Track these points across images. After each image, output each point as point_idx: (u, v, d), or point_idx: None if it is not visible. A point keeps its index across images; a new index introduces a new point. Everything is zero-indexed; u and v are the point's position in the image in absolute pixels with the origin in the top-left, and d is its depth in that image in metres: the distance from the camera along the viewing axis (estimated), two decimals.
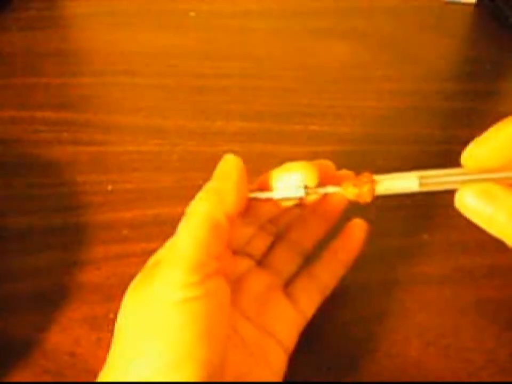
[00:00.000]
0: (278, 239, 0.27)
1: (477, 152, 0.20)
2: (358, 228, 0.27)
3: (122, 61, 0.46)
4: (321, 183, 0.22)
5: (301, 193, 0.22)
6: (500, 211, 0.19)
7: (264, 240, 0.26)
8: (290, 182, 0.22)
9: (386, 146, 0.39)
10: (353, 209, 0.28)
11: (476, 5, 0.57)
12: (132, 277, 0.21)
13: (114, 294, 0.28)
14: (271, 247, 0.27)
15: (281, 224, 0.26)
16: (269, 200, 0.22)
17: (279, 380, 0.23)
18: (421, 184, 0.21)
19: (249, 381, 0.22)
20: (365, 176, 0.21)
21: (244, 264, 0.25)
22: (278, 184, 0.22)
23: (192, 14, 0.52)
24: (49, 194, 0.34)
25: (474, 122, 0.41)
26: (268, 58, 0.47)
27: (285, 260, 0.26)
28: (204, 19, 0.52)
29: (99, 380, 0.20)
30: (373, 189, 0.21)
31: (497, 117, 0.20)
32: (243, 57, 0.47)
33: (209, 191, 0.21)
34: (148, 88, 0.43)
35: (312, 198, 0.22)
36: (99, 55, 0.47)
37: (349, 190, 0.22)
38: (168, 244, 0.22)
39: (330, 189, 0.22)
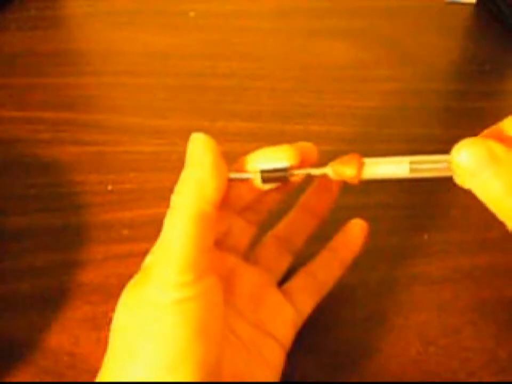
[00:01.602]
0: (265, 235, 0.26)
1: None
2: (358, 228, 0.26)
3: (122, 61, 0.46)
4: (303, 166, 0.21)
5: (284, 164, 0.21)
6: (498, 177, 0.17)
7: (246, 231, 0.25)
8: (271, 163, 0.21)
9: (386, 146, 0.39)
10: (353, 208, 0.29)
11: (476, 5, 0.57)
12: (131, 277, 0.21)
13: (114, 294, 0.28)
14: (259, 244, 0.26)
15: (261, 211, 0.25)
16: (247, 182, 0.21)
17: (278, 377, 0.23)
18: (411, 170, 0.20)
19: (248, 379, 0.22)
20: (352, 156, 0.21)
21: (231, 260, 0.24)
22: (258, 166, 0.21)
23: (192, 14, 0.52)
24: (49, 194, 0.34)
25: (474, 122, 0.41)
26: (268, 58, 0.47)
27: (275, 257, 0.26)
28: (204, 19, 0.52)
29: (97, 381, 0.20)
30: (360, 169, 0.20)
31: (497, 117, 0.20)
32: (243, 57, 0.47)
33: (189, 181, 0.20)
34: (148, 88, 0.43)
35: (295, 179, 0.22)
36: (99, 55, 0.47)
37: (335, 170, 0.21)
38: (158, 243, 0.20)
39: (315, 170, 0.21)
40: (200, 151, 0.20)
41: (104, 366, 0.20)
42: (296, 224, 0.26)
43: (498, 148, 0.17)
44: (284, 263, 0.26)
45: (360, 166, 0.20)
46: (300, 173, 0.21)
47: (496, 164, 0.17)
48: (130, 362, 0.19)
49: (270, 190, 0.22)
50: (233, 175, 0.21)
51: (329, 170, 0.21)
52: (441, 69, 0.48)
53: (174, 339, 0.19)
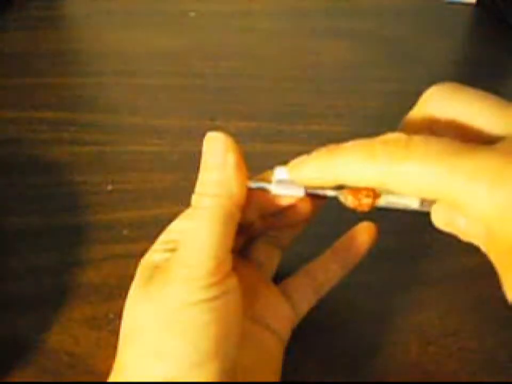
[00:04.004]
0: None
1: (298, 169, 0.21)
2: (365, 233, 0.26)
3: (122, 61, 0.46)
4: None
5: (300, 192, 0.22)
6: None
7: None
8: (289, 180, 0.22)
9: None
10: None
11: (476, 5, 0.57)
12: (131, 277, 0.21)
13: (114, 294, 0.28)
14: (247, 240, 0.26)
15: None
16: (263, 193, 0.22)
17: (279, 370, 0.23)
18: (422, 205, 0.21)
19: (252, 373, 0.22)
20: (367, 190, 0.21)
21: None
22: (277, 178, 0.22)
23: (192, 14, 0.52)
24: (49, 194, 0.34)
25: None
26: (268, 58, 0.47)
27: (265, 252, 0.26)
28: (204, 19, 0.52)
29: (110, 380, 0.20)
30: (373, 204, 0.21)
31: None
32: (243, 57, 0.47)
33: (214, 182, 0.20)
34: (148, 88, 0.43)
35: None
36: (99, 55, 0.47)
37: (348, 199, 0.21)
38: (184, 243, 0.20)
39: (329, 193, 0.22)
40: (222, 151, 0.20)
41: (119, 365, 0.20)
42: (285, 223, 0.26)
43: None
44: (274, 258, 0.26)
45: (373, 201, 0.21)
46: (313, 191, 0.22)
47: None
48: (155, 360, 0.19)
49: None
50: (251, 184, 0.21)
51: (341, 197, 0.22)
52: (441, 69, 0.48)
53: (202, 337, 0.19)
